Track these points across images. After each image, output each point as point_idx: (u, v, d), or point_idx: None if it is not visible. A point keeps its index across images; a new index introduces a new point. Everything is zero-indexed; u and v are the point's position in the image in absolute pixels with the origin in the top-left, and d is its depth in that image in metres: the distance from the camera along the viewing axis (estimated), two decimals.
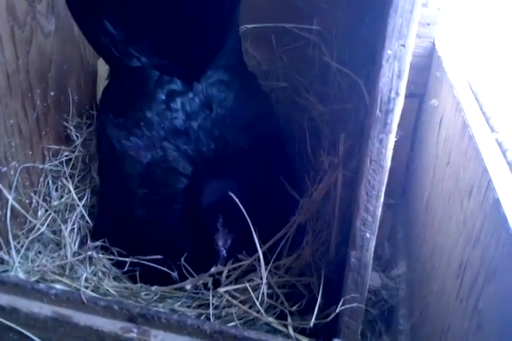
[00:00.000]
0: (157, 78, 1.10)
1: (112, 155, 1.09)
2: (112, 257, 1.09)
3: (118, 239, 1.09)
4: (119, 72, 1.16)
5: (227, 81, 1.12)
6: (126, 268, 1.05)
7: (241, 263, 0.97)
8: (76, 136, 1.33)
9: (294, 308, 0.92)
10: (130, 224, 1.07)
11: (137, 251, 1.05)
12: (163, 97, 1.08)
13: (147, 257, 1.02)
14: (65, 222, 1.19)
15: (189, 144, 1.06)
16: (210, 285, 0.98)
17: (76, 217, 1.20)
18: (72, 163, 1.30)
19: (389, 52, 0.60)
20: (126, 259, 1.05)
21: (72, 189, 1.24)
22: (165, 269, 1.01)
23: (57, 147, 1.28)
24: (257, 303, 0.90)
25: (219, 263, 0.96)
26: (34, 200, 1.21)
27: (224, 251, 0.96)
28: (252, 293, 0.90)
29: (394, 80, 0.62)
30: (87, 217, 1.20)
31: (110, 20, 1.08)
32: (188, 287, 0.98)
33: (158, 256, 1.01)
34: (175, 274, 1.01)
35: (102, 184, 1.21)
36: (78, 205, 1.22)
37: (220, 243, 0.96)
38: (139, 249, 1.05)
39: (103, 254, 1.11)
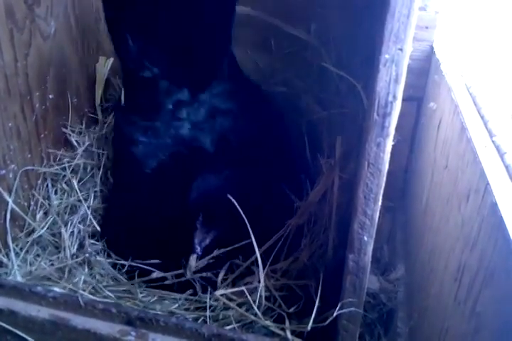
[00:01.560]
0: (166, 88, 1.15)
1: (126, 154, 1.17)
2: (110, 260, 1.10)
3: (127, 229, 1.14)
4: (132, 83, 1.21)
5: (231, 91, 1.17)
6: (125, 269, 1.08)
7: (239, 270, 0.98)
8: (77, 141, 1.33)
9: (291, 311, 0.92)
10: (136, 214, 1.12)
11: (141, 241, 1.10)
12: (171, 107, 1.14)
13: (146, 261, 1.04)
14: (65, 224, 1.19)
15: (191, 151, 1.12)
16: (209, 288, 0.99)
17: (76, 219, 1.20)
18: (72, 167, 1.30)
19: (386, 56, 0.61)
20: (125, 262, 1.08)
21: (76, 187, 1.26)
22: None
23: (56, 151, 1.28)
24: (254, 307, 0.90)
25: (191, 260, 0.99)
26: (33, 203, 1.21)
27: (199, 249, 0.99)
28: (249, 296, 0.91)
29: (391, 84, 0.62)
30: (90, 217, 1.21)
31: (129, 32, 1.14)
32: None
33: (157, 261, 1.04)
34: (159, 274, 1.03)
35: (114, 182, 1.28)
36: (79, 207, 1.22)
37: (197, 240, 0.99)
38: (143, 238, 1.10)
39: (103, 256, 1.12)
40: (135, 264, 1.07)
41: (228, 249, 1.00)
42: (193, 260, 0.99)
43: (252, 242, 0.93)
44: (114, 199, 1.24)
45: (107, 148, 1.37)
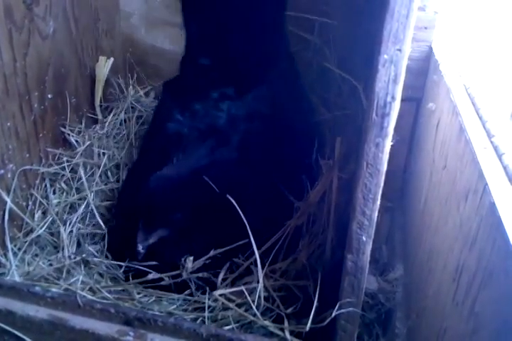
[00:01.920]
0: (215, 79, 1.19)
1: (159, 128, 1.20)
2: (107, 261, 1.10)
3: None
4: (188, 65, 1.25)
5: (275, 97, 1.19)
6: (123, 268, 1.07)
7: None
8: (76, 141, 1.33)
9: (290, 311, 0.92)
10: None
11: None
12: (215, 96, 1.17)
13: (143, 263, 1.03)
14: (64, 224, 1.19)
15: (217, 143, 1.12)
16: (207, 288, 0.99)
17: (76, 218, 1.20)
18: (71, 166, 1.30)
19: (385, 56, 0.61)
20: (122, 263, 1.07)
21: (84, 179, 1.27)
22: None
23: (54, 150, 1.28)
24: (253, 307, 0.90)
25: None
26: (31, 203, 1.20)
27: (140, 247, 0.99)
28: (248, 296, 0.90)
29: (390, 85, 0.62)
30: (95, 212, 1.21)
31: (193, 20, 1.22)
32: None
33: (154, 262, 1.03)
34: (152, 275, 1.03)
35: (139, 156, 1.31)
36: (79, 205, 1.23)
37: (139, 238, 0.99)
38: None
39: (101, 256, 1.12)
40: (132, 265, 1.06)
41: (225, 249, 1.00)
42: (189, 261, 0.99)
43: (248, 242, 0.93)
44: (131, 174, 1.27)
45: (109, 147, 1.37)
